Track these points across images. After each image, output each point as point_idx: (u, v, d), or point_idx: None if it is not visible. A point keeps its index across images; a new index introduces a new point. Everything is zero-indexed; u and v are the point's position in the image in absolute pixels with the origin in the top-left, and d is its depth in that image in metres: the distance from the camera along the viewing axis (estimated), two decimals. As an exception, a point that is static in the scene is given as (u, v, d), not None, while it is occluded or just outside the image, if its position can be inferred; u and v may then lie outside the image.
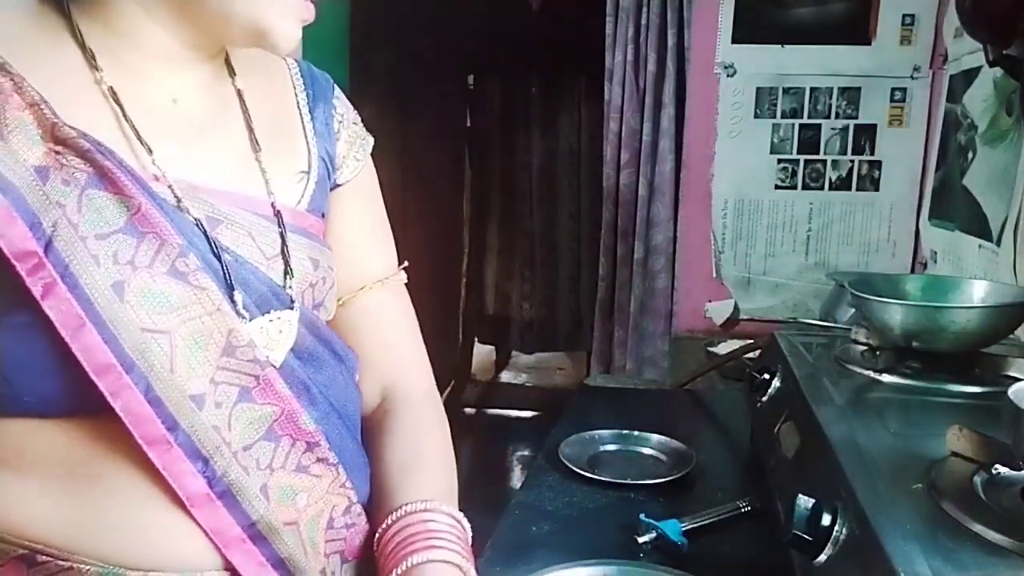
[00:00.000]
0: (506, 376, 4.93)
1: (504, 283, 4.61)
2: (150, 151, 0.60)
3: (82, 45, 0.60)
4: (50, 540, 0.59)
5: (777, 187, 2.50)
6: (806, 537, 0.73)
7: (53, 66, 0.59)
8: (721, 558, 0.98)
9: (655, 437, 1.31)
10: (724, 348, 2.15)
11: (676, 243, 2.55)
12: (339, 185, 0.77)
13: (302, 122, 0.74)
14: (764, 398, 1.17)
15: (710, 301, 2.59)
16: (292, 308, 0.66)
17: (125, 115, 0.60)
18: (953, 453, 0.78)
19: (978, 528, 0.65)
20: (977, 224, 1.75)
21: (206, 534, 0.61)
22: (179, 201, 0.61)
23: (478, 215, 4.47)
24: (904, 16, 2.34)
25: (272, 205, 0.67)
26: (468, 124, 4.43)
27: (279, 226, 0.67)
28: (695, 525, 1.02)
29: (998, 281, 1.38)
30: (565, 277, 4.49)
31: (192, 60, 0.65)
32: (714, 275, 2.57)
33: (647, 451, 1.29)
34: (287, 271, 0.66)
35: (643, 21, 2.44)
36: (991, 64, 1.59)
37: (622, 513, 1.06)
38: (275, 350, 0.64)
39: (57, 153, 0.56)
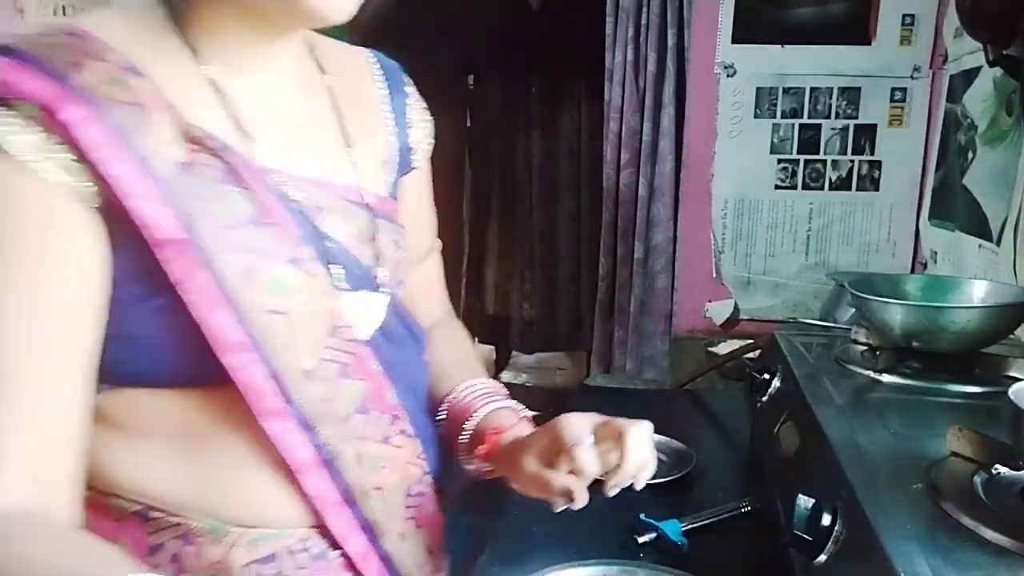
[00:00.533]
0: (506, 376, 4.92)
1: (504, 283, 4.60)
2: (252, 139, 0.64)
3: (186, 41, 0.63)
4: (164, 498, 0.65)
5: (777, 187, 2.50)
6: (806, 537, 0.73)
7: (165, 61, 0.62)
8: (721, 558, 0.98)
9: (655, 437, 1.30)
10: (724, 348, 2.15)
11: (676, 243, 2.55)
12: (413, 169, 0.82)
13: (383, 113, 0.78)
14: (764, 398, 1.17)
15: (710, 301, 2.59)
16: (379, 290, 0.72)
17: (226, 107, 0.64)
18: (953, 453, 0.78)
19: (978, 528, 0.65)
20: (977, 224, 1.75)
21: (305, 497, 0.67)
22: (285, 190, 0.65)
23: (478, 215, 4.46)
24: (904, 16, 2.34)
25: (361, 194, 0.72)
26: (468, 124, 4.43)
27: (370, 213, 0.72)
28: (695, 525, 1.02)
29: (998, 281, 1.38)
30: (565, 277, 4.48)
31: (278, 52, 0.67)
32: (714, 275, 2.57)
33: (647, 451, 1.29)
34: (377, 255, 0.71)
35: (643, 21, 2.44)
36: (991, 64, 1.59)
37: (622, 513, 1.05)
38: (363, 327, 0.70)
39: (193, 151, 0.60)
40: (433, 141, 0.85)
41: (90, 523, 0.65)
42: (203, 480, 0.65)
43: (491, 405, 0.80)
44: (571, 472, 0.69)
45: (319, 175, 0.69)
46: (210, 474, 0.65)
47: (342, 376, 0.68)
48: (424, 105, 0.84)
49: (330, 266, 0.66)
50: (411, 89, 0.82)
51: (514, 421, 0.78)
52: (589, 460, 0.69)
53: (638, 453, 0.69)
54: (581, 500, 0.69)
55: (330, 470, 0.67)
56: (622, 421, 0.71)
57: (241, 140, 0.64)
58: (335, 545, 0.69)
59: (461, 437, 0.79)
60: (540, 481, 0.70)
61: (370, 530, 0.70)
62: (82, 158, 0.56)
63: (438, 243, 0.93)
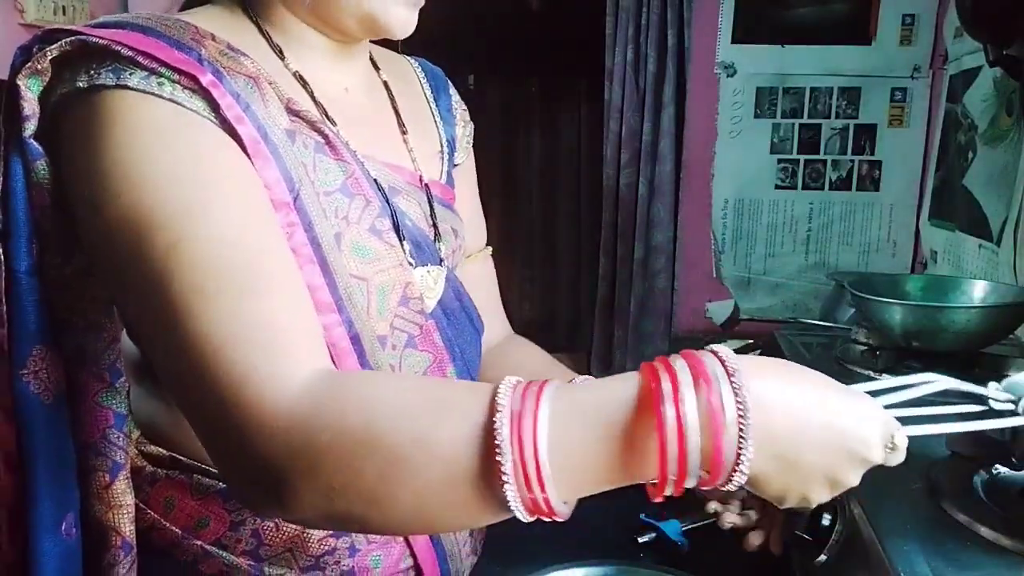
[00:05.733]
0: (506, 376, 4.91)
1: (504, 283, 4.60)
2: (334, 123, 0.69)
3: (269, 40, 0.69)
4: None
5: (777, 187, 2.50)
6: (806, 537, 0.73)
7: (257, 53, 0.66)
8: (721, 558, 0.98)
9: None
10: (724, 348, 2.15)
11: (676, 243, 2.55)
12: (456, 165, 0.87)
13: (431, 109, 0.85)
14: (764, 398, 1.17)
15: (710, 301, 2.59)
16: (441, 265, 0.75)
17: (313, 95, 0.69)
18: (953, 453, 0.78)
19: (978, 528, 0.65)
20: (977, 224, 1.75)
21: None
22: (367, 167, 0.70)
23: (478, 215, 4.45)
24: (904, 16, 2.34)
25: (420, 178, 0.76)
26: (468, 124, 4.43)
27: (427, 196, 0.76)
28: (695, 525, 1.02)
29: (998, 281, 1.38)
30: (565, 277, 4.48)
31: (350, 55, 0.73)
32: (714, 275, 2.57)
33: (647, 451, 1.29)
34: (436, 235, 0.76)
35: (643, 21, 2.45)
36: (991, 64, 1.59)
37: (622, 513, 1.06)
38: (429, 298, 0.73)
39: (294, 121, 0.65)
40: (471, 142, 0.91)
41: (175, 500, 0.70)
42: None
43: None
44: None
45: (388, 159, 0.74)
46: None
47: (409, 345, 0.70)
48: (464, 107, 0.91)
49: (403, 241, 0.70)
50: (454, 91, 0.90)
51: None
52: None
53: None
54: None
55: None
56: None
57: (327, 124, 0.68)
58: None
59: None
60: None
61: None
62: (220, 116, 0.59)
63: (488, 249, 0.95)
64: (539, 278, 4.53)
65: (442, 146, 0.84)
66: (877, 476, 0.76)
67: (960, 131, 1.96)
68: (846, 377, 1.07)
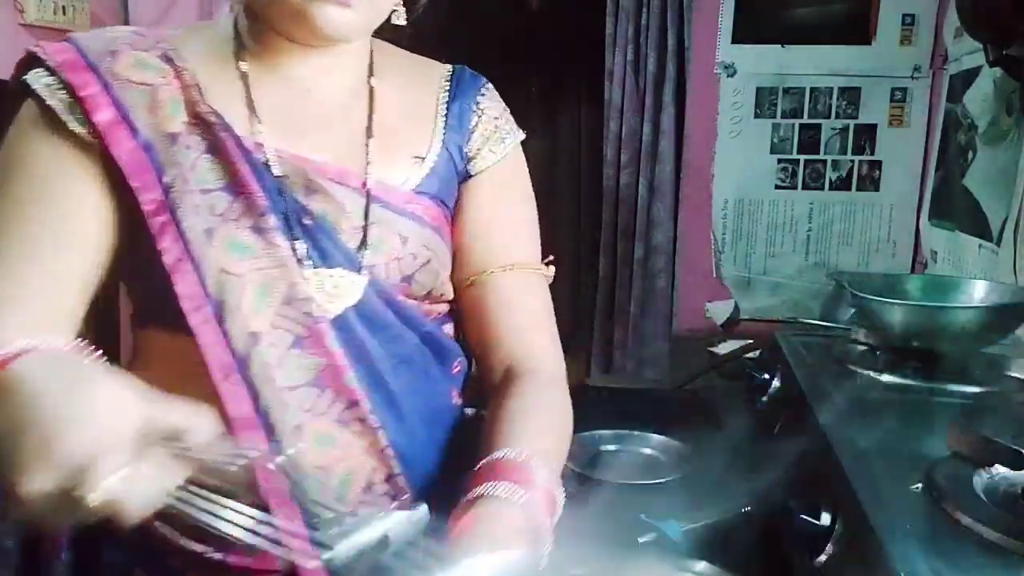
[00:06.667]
0: (506, 376, 4.90)
1: (504, 283, 4.58)
2: (259, 121, 0.73)
3: (238, 43, 0.76)
4: None
5: (777, 187, 2.50)
6: (806, 537, 0.73)
7: (211, 57, 0.75)
8: (721, 558, 0.98)
9: (655, 437, 1.31)
10: (724, 348, 2.15)
11: (676, 243, 2.55)
12: (471, 175, 0.83)
13: (435, 117, 0.82)
14: (764, 398, 1.17)
15: (710, 301, 2.59)
16: (360, 271, 0.73)
17: (248, 94, 0.74)
18: (953, 453, 0.78)
19: (978, 528, 0.65)
20: (977, 224, 1.75)
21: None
22: (272, 167, 0.72)
23: (478, 215, 4.44)
24: (904, 16, 2.34)
25: (365, 182, 0.75)
26: (468, 124, 4.42)
27: (367, 200, 0.74)
28: (695, 525, 1.02)
29: (998, 281, 1.38)
30: (564, 277, 4.48)
31: (320, 57, 0.76)
32: (714, 275, 2.57)
33: (647, 451, 1.29)
34: (363, 241, 0.73)
35: (643, 21, 2.44)
36: (991, 64, 1.59)
37: (622, 513, 1.06)
38: (332, 304, 0.72)
39: (191, 125, 0.71)
40: (499, 151, 0.85)
41: None
42: None
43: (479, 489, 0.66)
44: None
45: (322, 159, 0.74)
46: None
47: (295, 346, 0.70)
48: (500, 114, 0.86)
49: (295, 241, 0.71)
50: (486, 99, 0.86)
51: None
52: None
53: None
54: None
55: (266, 431, 0.68)
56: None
57: (250, 122, 0.73)
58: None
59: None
60: None
61: (306, 511, 0.67)
62: (91, 121, 0.68)
63: (535, 266, 0.86)
64: (539, 278, 4.51)
65: (428, 154, 0.79)
66: (877, 476, 0.76)
67: (960, 131, 1.96)
68: (846, 377, 1.07)
